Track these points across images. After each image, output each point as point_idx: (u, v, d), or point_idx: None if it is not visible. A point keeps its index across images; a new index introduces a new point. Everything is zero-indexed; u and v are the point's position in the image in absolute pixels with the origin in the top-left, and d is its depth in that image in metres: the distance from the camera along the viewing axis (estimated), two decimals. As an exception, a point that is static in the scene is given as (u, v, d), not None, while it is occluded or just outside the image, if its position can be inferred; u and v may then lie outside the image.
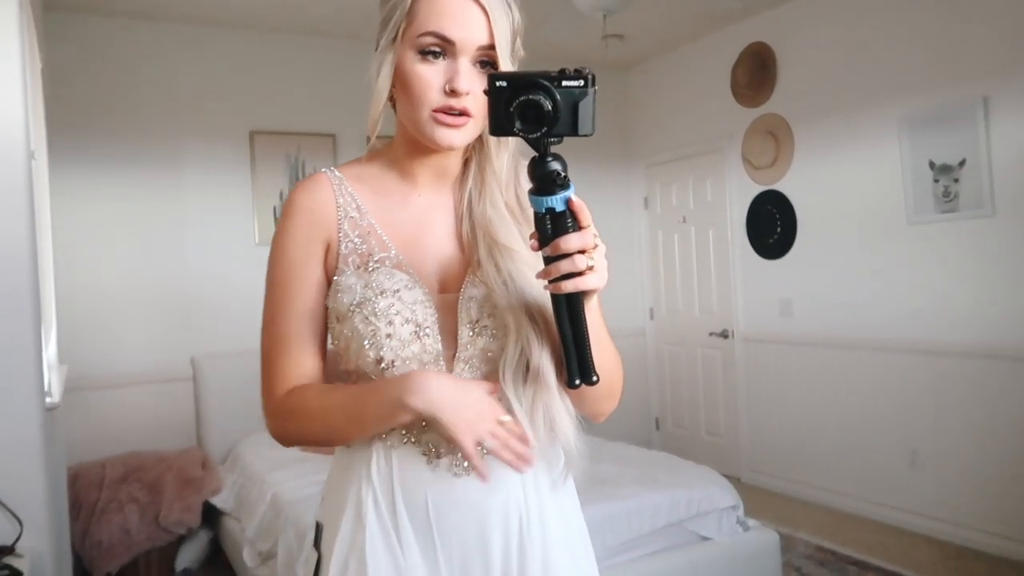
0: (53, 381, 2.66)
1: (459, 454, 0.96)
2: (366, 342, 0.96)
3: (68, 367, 3.45)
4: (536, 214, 0.83)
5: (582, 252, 0.82)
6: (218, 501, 3.53)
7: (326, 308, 1.02)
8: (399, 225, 1.03)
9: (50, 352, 2.97)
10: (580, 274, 0.82)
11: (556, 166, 0.81)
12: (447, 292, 1.00)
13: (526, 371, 0.96)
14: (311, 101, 4.46)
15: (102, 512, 3.42)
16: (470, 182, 1.05)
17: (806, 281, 4.34)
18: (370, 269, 0.99)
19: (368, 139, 1.05)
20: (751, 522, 2.95)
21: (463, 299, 0.99)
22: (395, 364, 0.97)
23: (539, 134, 0.79)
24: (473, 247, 1.02)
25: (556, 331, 0.89)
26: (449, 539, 0.97)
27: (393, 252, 1.01)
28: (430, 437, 0.98)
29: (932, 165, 3.60)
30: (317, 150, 4.45)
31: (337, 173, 1.05)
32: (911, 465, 3.80)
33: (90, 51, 3.97)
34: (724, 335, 4.89)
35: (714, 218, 4.96)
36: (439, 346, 0.98)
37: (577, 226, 0.82)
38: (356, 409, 0.96)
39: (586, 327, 0.86)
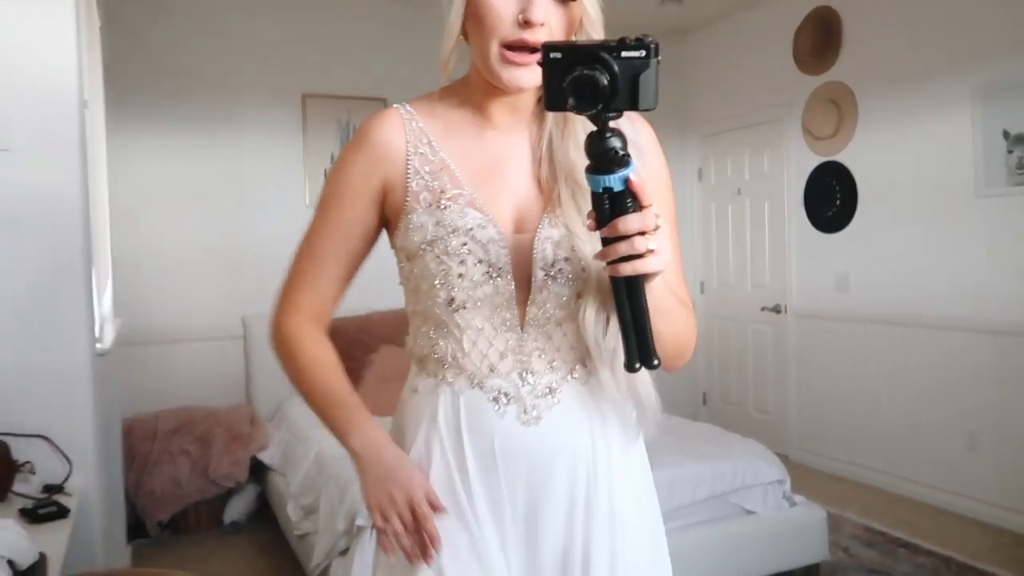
0: (107, 330, 2.73)
1: (531, 399, 0.96)
2: (437, 281, 0.95)
3: (123, 321, 3.55)
4: (593, 193, 0.79)
5: (642, 234, 0.77)
6: (265, 457, 3.61)
7: (364, 245, 1.03)
8: (473, 161, 0.99)
9: (105, 304, 3.04)
10: (639, 256, 0.78)
11: (615, 143, 0.76)
12: (522, 232, 0.97)
13: (607, 321, 0.94)
14: (362, 65, 4.45)
15: (155, 463, 3.52)
16: (550, 121, 1.00)
17: (865, 256, 4.18)
18: (442, 207, 0.96)
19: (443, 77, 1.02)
20: (797, 498, 2.88)
21: (539, 239, 0.95)
22: (467, 305, 0.96)
23: (595, 110, 0.74)
24: (552, 187, 0.97)
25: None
26: (515, 486, 0.96)
27: (466, 189, 0.97)
28: (498, 383, 0.97)
29: (1006, 135, 3.41)
30: (368, 114, 4.43)
31: (409, 108, 1.02)
32: (968, 448, 3.65)
33: (152, 10, 4.02)
34: (776, 310, 4.77)
35: (770, 190, 4.81)
36: (512, 287, 0.95)
37: (637, 206, 0.78)
38: (323, 402, 1.00)
39: (646, 309, 0.81)
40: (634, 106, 0.74)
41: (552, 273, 0.95)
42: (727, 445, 2.89)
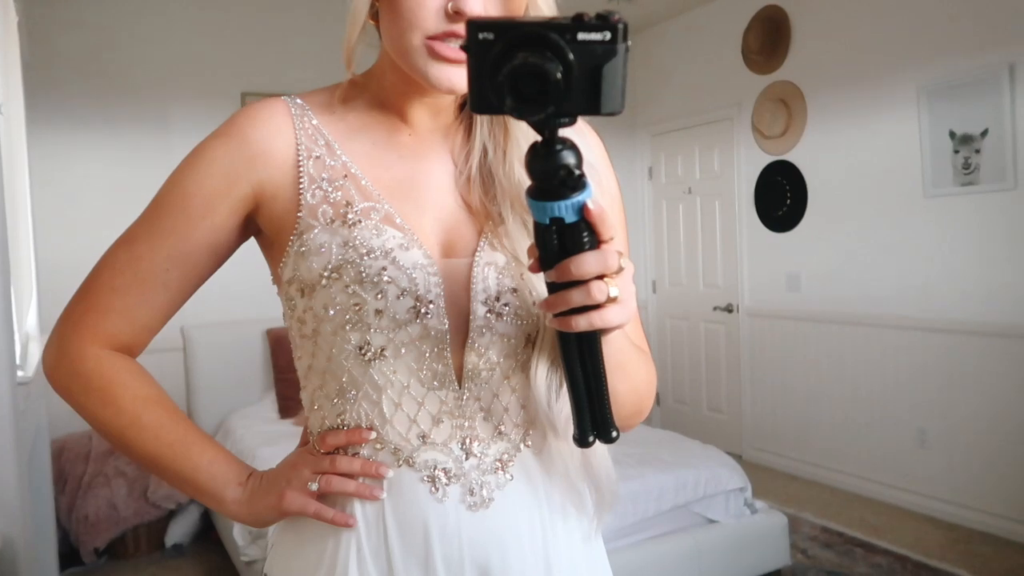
0: (31, 351, 2.53)
1: (478, 475, 0.76)
2: (346, 321, 0.74)
3: (51, 337, 3.32)
4: (537, 224, 0.60)
5: (600, 278, 0.60)
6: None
7: (207, 267, 0.80)
8: (384, 167, 0.79)
9: (29, 322, 2.84)
10: (597, 307, 0.61)
11: (567, 158, 0.57)
12: (454, 256, 0.77)
13: (562, 377, 0.74)
14: (304, 60, 4.28)
15: (88, 486, 3.32)
16: (480, 127, 0.80)
17: (815, 255, 4.21)
18: (349, 223, 0.74)
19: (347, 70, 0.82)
20: (758, 504, 2.85)
21: (478, 265, 0.75)
22: (385, 353, 0.74)
23: (543, 115, 0.54)
24: (490, 208, 0.78)
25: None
26: None
27: (381, 203, 0.76)
28: (433, 457, 0.76)
29: (952, 135, 3.45)
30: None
31: (299, 101, 0.80)
32: (919, 445, 3.70)
33: (74, 7, 3.78)
34: (728, 309, 4.77)
35: (721, 189, 4.81)
36: (445, 326, 0.75)
37: (595, 241, 0.60)
38: (170, 454, 0.78)
39: (603, 371, 0.65)
40: (595, 108, 0.54)
41: (496, 309, 0.75)
42: (688, 453, 2.85)
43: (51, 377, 0.82)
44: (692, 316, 5.10)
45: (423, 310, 0.74)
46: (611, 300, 0.61)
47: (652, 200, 5.35)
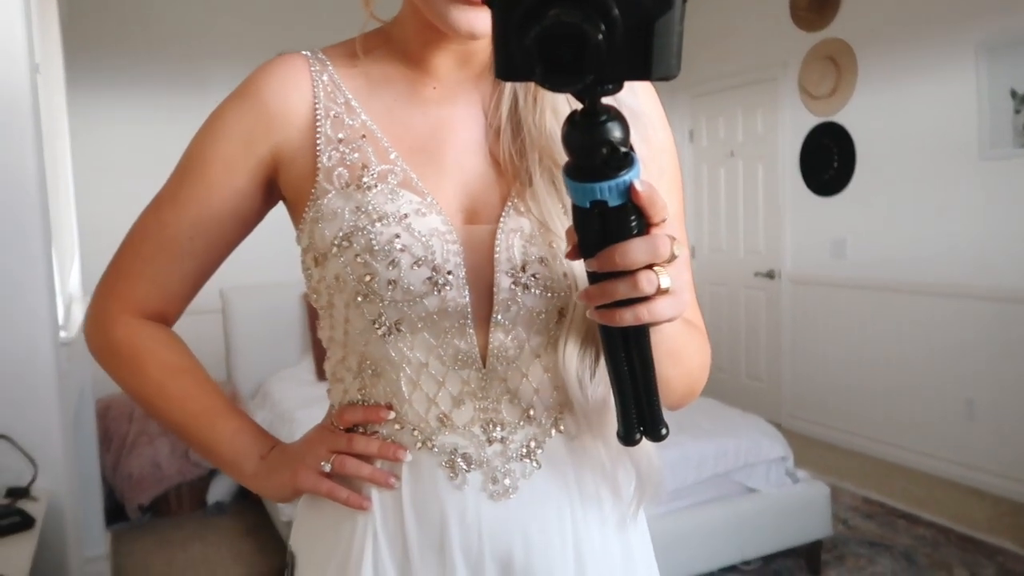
0: (74, 312, 2.56)
1: (502, 463, 0.71)
2: (358, 293, 0.68)
3: (94, 298, 3.37)
4: (576, 208, 0.53)
5: (650, 267, 0.53)
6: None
7: (235, 234, 0.77)
8: (406, 128, 0.73)
9: (72, 283, 2.87)
10: (645, 299, 0.54)
11: (613, 132, 0.49)
12: (477, 223, 0.70)
13: (596, 357, 0.70)
14: (341, 20, 4.22)
15: (132, 445, 3.39)
16: None
17: (862, 220, 4.08)
18: (364, 186, 0.69)
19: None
20: (800, 473, 2.80)
21: (502, 233, 0.68)
22: (401, 327, 0.69)
23: (580, 85, 0.46)
24: (519, 165, 0.71)
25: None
26: None
27: (398, 164, 0.71)
28: (453, 441, 0.71)
29: (1014, 94, 3.29)
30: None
31: (320, 55, 0.75)
32: (967, 416, 3.60)
33: (109, -34, 3.77)
34: (770, 276, 4.67)
35: (764, 152, 4.68)
36: (466, 299, 0.68)
37: (643, 226, 0.53)
38: (195, 424, 0.78)
39: (652, 366, 0.58)
40: (644, 72, 0.45)
41: (523, 281, 0.68)
42: (729, 421, 2.80)
43: (89, 343, 0.82)
44: (732, 282, 5.00)
45: (441, 281, 0.67)
46: (662, 292, 0.53)
47: (693, 164, 5.23)
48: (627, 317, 0.54)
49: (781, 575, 2.77)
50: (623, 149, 0.50)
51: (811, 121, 4.30)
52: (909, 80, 3.77)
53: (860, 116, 4.04)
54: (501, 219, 0.69)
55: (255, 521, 3.39)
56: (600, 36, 0.43)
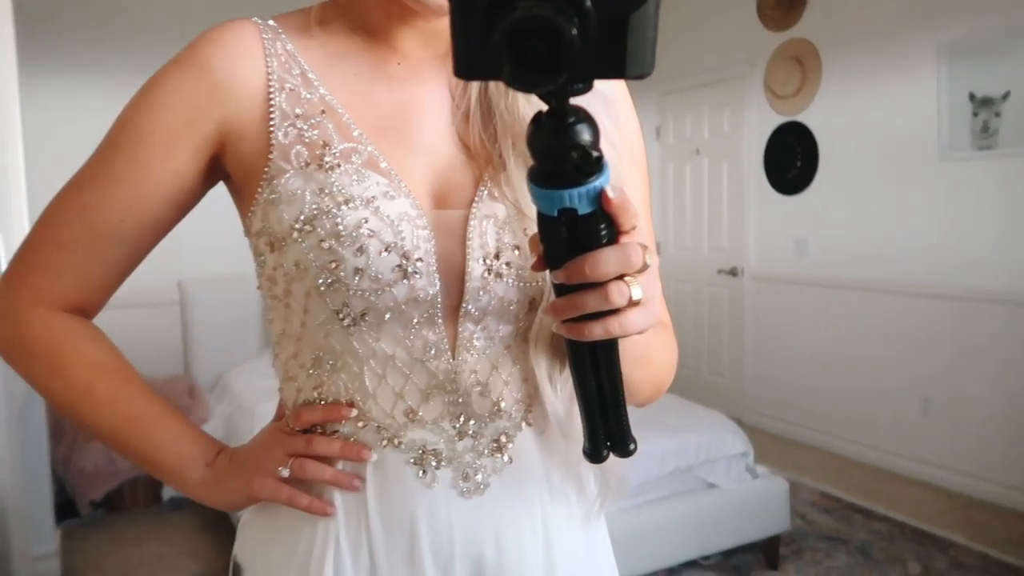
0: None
1: (473, 458, 0.67)
2: (321, 280, 0.63)
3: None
4: (542, 217, 0.50)
5: (620, 278, 0.50)
6: (206, 431, 3.40)
7: (171, 218, 0.70)
8: (369, 104, 0.68)
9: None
10: (616, 311, 0.51)
11: (582, 136, 0.46)
12: (446, 207, 0.67)
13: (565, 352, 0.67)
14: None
15: (86, 438, 3.30)
16: None
17: (824, 219, 4.13)
18: (327, 166, 0.64)
19: None
20: (760, 469, 2.83)
21: (475, 218, 0.65)
22: (367, 317, 0.64)
23: (554, 83, 0.42)
24: (491, 149, 0.68)
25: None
26: None
27: (363, 143, 0.66)
28: (422, 437, 0.67)
29: (972, 97, 3.35)
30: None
31: (271, 23, 0.69)
32: (923, 413, 3.67)
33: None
34: (733, 273, 4.71)
35: (730, 150, 4.71)
36: (436, 288, 0.65)
37: (614, 234, 0.50)
38: (128, 428, 0.70)
39: (620, 380, 0.56)
40: (618, 70, 0.43)
41: (496, 268, 0.65)
42: (691, 417, 2.81)
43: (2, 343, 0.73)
44: (696, 279, 5.04)
45: (410, 269, 0.63)
46: (633, 304, 0.51)
47: (659, 161, 5.25)
48: (597, 331, 0.51)
49: (740, 569, 2.80)
50: (594, 153, 0.46)
51: (776, 120, 4.34)
52: (872, 82, 3.82)
53: (823, 116, 4.09)
54: (474, 204, 0.65)
55: (212, 517, 3.32)
56: (574, 31, 0.40)
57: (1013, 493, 3.30)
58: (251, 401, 3.20)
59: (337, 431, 0.68)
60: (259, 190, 0.66)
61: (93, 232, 0.68)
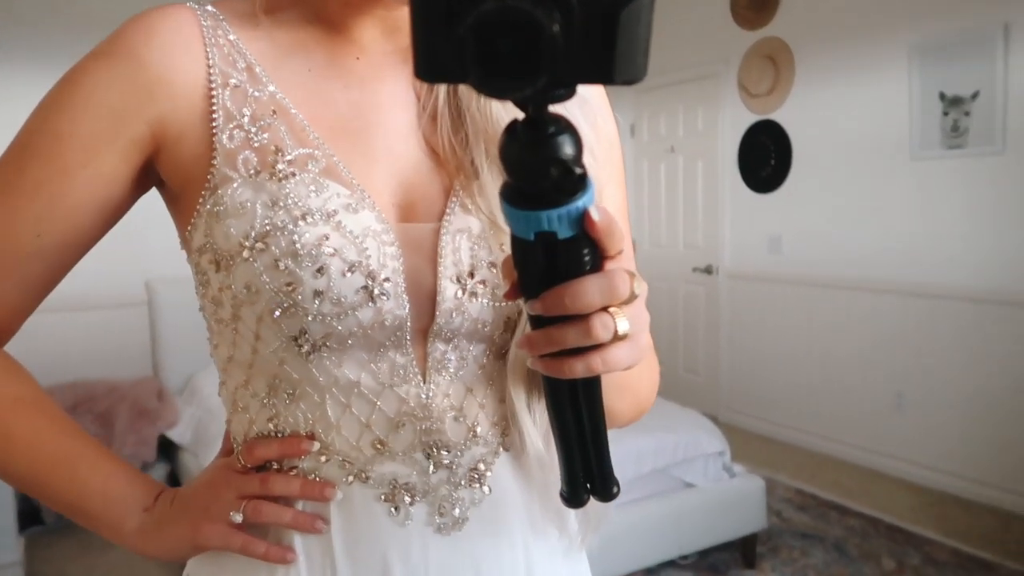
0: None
1: (449, 491, 0.62)
2: (276, 305, 0.56)
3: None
4: (517, 240, 0.44)
5: (604, 309, 0.45)
6: (175, 435, 3.34)
7: (94, 230, 0.62)
8: (325, 103, 0.61)
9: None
10: (599, 346, 0.45)
11: (564, 149, 0.40)
12: (413, 220, 0.60)
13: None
14: None
15: (49, 444, 3.21)
16: None
17: (798, 217, 4.15)
18: (280, 175, 0.57)
19: None
20: (736, 468, 2.83)
21: (447, 233, 0.59)
22: (329, 343, 0.58)
23: (530, 91, 0.36)
24: (461, 155, 0.61)
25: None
26: None
27: (321, 149, 0.59)
28: (392, 470, 0.61)
29: (943, 97, 3.38)
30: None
31: (210, 8, 0.61)
32: (896, 409, 3.70)
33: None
34: (708, 271, 4.72)
35: (704, 148, 4.72)
36: (405, 310, 0.58)
37: (598, 259, 0.44)
38: (50, 472, 0.61)
39: (604, 419, 0.50)
40: (605, 74, 0.36)
41: (470, 288, 0.59)
42: (668, 417, 2.81)
43: None
44: (671, 277, 5.04)
45: (376, 291, 0.57)
46: (619, 338, 0.45)
47: (633, 159, 5.25)
48: (578, 368, 0.45)
49: (717, 568, 2.80)
50: (577, 170, 0.40)
51: (750, 119, 4.35)
52: (844, 81, 3.84)
53: (797, 115, 4.10)
54: (446, 216, 0.59)
55: (182, 522, 3.26)
56: (556, 27, 0.34)
57: (984, 488, 3.34)
58: (220, 404, 3.13)
59: (296, 467, 0.61)
60: (200, 200, 0.59)
61: (7, 248, 0.60)
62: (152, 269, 3.80)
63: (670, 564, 2.75)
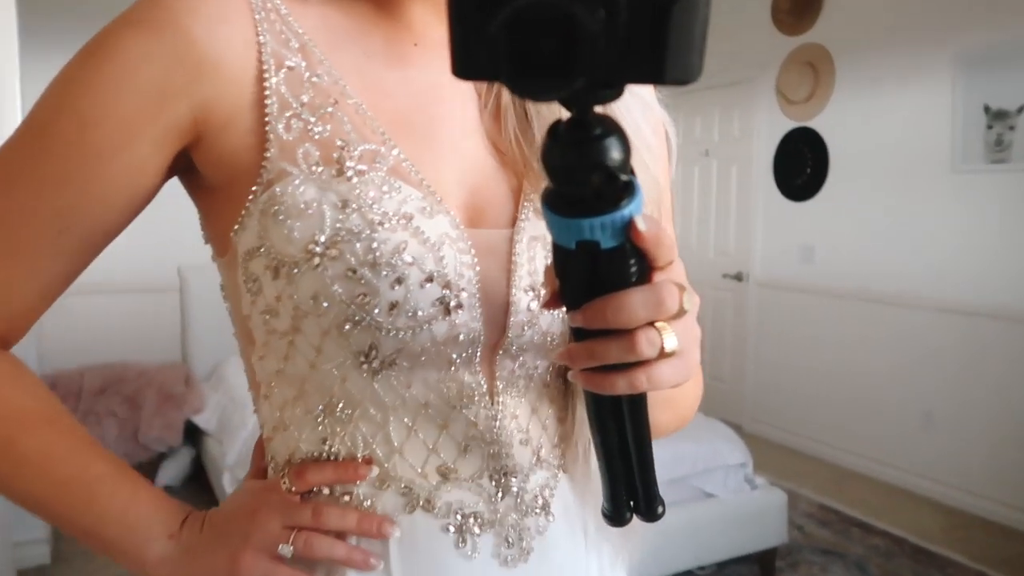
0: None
1: (517, 519, 0.57)
2: (346, 318, 0.51)
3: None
4: (558, 248, 0.42)
5: (651, 323, 0.42)
6: (200, 420, 3.38)
7: (118, 223, 0.55)
8: (384, 92, 0.55)
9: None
10: (644, 363, 0.42)
11: (610, 153, 0.37)
12: (482, 225, 0.55)
13: None
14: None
15: (82, 415, 3.28)
16: None
17: (832, 227, 4.08)
18: (348, 174, 0.51)
19: None
20: (758, 480, 2.79)
21: (521, 240, 0.55)
22: (398, 361, 0.53)
23: (567, 90, 0.34)
24: (528, 154, 0.56)
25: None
26: None
27: (388, 145, 0.53)
28: (459, 498, 0.56)
29: (987, 110, 3.30)
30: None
31: None
32: (925, 428, 3.63)
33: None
34: (738, 278, 4.67)
35: (739, 154, 4.66)
36: (479, 323, 0.54)
37: (646, 272, 0.42)
38: (66, 493, 0.54)
39: (649, 437, 0.48)
40: (655, 73, 0.33)
41: (543, 298, 0.54)
42: (691, 426, 2.74)
43: None
44: (700, 282, 4.99)
45: (452, 303, 0.52)
46: (665, 355, 0.42)
47: (667, 161, 5.20)
48: (620, 385, 0.42)
49: (735, 581, 2.77)
50: (622, 177, 0.38)
51: (787, 125, 4.29)
52: (885, 90, 3.76)
53: (835, 123, 4.03)
54: (519, 222, 0.55)
55: (205, 505, 3.27)
56: (598, 24, 0.31)
57: (1013, 512, 3.26)
58: (244, 394, 3.15)
59: (350, 492, 0.56)
60: (251, 197, 0.52)
61: (20, 246, 0.53)
62: (185, 256, 3.85)
63: (687, 574, 2.72)
